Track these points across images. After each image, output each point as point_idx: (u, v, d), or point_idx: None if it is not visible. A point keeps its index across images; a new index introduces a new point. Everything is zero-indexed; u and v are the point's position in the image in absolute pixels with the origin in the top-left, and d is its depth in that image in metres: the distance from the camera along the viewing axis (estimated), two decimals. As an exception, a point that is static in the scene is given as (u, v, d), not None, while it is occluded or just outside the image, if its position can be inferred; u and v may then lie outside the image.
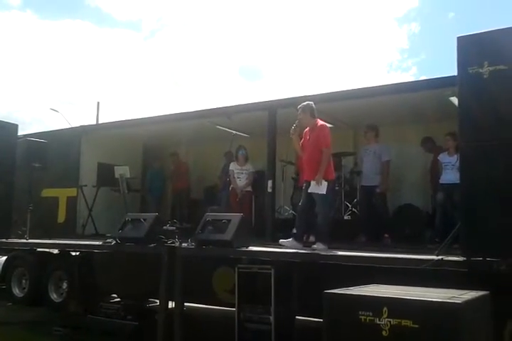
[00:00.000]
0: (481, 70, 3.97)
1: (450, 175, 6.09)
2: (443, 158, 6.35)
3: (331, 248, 4.97)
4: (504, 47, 3.95)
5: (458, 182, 6.04)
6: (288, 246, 5.09)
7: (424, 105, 6.54)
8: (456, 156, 6.20)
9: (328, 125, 7.69)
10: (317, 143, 5.28)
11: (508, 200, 3.72)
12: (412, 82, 7.16)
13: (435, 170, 6.65)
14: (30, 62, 48.85)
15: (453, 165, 6.12)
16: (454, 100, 5.54)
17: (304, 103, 5.46)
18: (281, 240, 5.20)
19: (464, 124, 4.10)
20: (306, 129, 5.50)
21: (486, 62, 3.94)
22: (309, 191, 5.20)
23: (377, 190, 6.58)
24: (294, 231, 5.51)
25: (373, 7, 59.19)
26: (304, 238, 5.56)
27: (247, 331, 4.79)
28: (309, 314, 5.00)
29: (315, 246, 5.05)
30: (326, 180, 5.18)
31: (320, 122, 5.46)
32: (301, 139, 5.49)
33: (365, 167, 6.81)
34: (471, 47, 4.07)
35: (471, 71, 4.01)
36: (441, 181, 6.26)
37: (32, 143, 7.73)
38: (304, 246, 5.22)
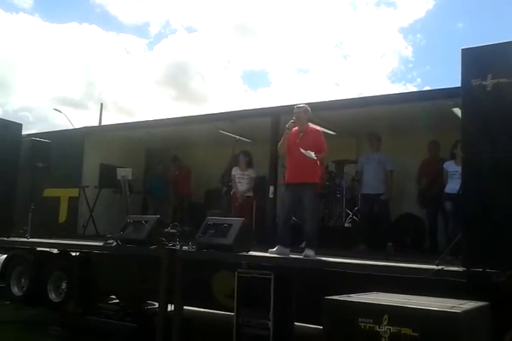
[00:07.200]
0: (484, 83, 3.98)
1: (457, 185, 5.87)
2: (449, 166, 6.02)
3: (330, 255, 4.95)
4: (508, 61, 3.98)
5: None
6: (276, 254, 4.99)
7: (426, 115, 6.58)
8: None
9: (331, 132, 7.84)
10: (313, 147, 5.10)
11: (509, 212, 3.74)
12: (414, 92, 7.22)
13: (440, 178, 6.25)
14: (36, 63, 48.96)
15: (460, 174, 5.99)
16: (457, 111, 5.59)
17: (305, 105, 5.38)
18: (269, 250, 5.10)
19: (466, 135, 4.14)
20: (294, 130, 5.31)
21: (489, 75, 3.96)
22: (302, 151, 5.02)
23: (382, 198, 6.59)
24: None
25: (379, 17, 59.38)
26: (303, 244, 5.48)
27: (246, 336, 4.76)
28: (308, 320, 5.02)
29: (305, 252, 4.94)
30: (314, 183, 5.15)
31: (313, 126, 5.39)
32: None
33: (368, 175, 6.77)
34: (475, 60, 4.09)
35: (474, 83, 4.03)
36: (446, 190, 6.00)
37: (36, 143, 7.76)
38: (292, 251, 5.12)
